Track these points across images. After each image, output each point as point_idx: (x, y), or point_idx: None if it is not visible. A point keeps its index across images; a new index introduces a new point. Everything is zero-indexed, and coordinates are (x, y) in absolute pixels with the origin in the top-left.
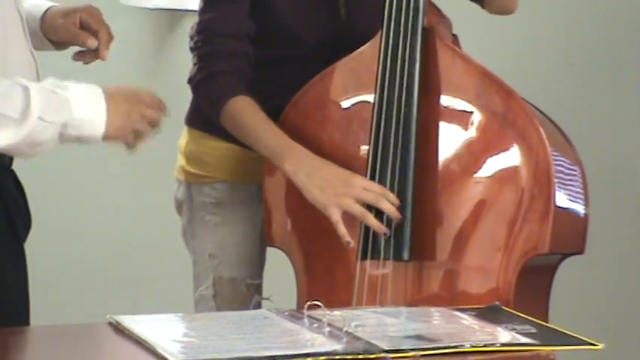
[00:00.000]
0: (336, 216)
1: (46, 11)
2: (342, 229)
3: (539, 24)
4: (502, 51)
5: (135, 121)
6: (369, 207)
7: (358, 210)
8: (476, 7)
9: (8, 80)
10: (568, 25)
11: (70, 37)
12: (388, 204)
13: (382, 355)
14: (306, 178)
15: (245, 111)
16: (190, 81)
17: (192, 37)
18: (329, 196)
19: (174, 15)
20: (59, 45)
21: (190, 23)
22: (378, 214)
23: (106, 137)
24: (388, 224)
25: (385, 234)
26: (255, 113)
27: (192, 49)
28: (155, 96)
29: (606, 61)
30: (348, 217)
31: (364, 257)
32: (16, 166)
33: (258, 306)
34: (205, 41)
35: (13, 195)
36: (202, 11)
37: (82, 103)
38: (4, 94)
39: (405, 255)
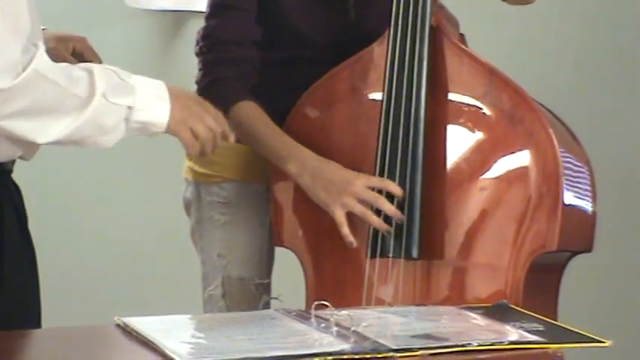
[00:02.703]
0: (339, 216)
1: None
2: (345, 230)
3: (547, 23)
4: (509, 50)
5: (195, 119)
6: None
7: (359, 209)
8: (484, 6)
9: (70, 65)
10: (576, 25)
11: (59, 61)
12: (387, 204)
13: (390, 354)
14: (311, 180)
15: (249, 116)
16: (196, 86)
17: (197, 42)
18: (332, 196)
19: (180, 16)
20: None
21: (196, 24)
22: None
23: (169, 127)
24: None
25: (389, 232)
26: (259, 117)
27: (197, 54)
28: (218, 111)
29: (614, 60)
30: (357, 216)
31: (373, 256)
32: (26, 169)
33: (267, 305)
34: (209, 48)
35: (17, 199)
36: (208, 17)
37: (146, 90)
38: (69, 75)
39: (415, 253)
